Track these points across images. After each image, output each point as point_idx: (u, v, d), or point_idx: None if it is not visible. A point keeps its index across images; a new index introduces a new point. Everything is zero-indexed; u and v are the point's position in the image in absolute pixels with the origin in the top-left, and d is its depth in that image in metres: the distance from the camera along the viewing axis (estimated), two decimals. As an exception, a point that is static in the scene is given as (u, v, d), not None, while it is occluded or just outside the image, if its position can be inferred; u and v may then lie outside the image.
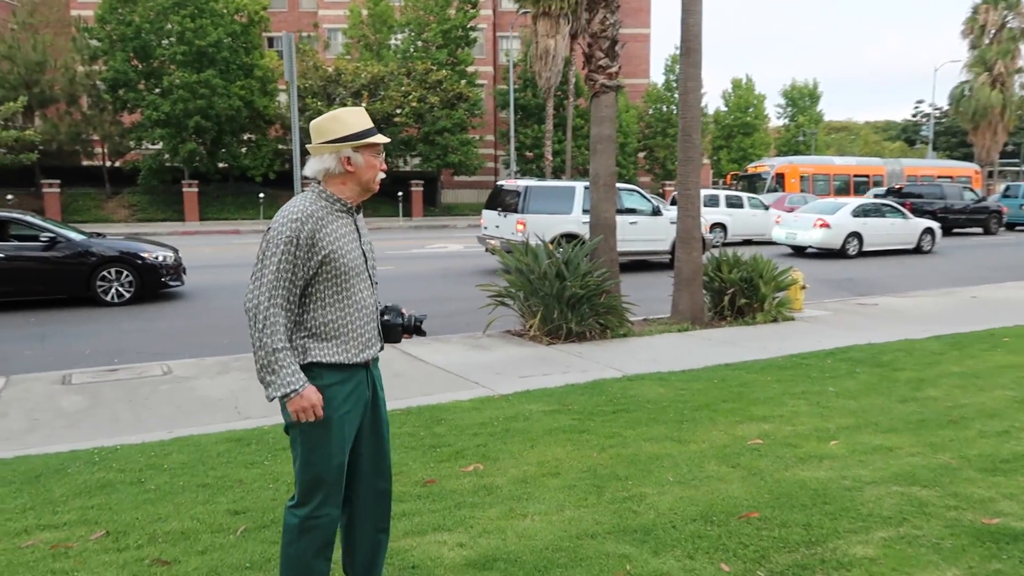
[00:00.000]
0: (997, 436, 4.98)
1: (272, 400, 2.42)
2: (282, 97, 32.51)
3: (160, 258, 11.35)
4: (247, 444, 4.81)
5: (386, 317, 2.69)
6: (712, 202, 21.23)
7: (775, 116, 52.46)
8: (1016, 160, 57.56)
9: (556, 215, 13.69)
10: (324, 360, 2.48)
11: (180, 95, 29.67)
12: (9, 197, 28.49)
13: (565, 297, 8.04)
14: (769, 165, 33.15)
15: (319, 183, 2.54)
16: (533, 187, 14.10)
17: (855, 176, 33.88)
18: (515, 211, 13.78)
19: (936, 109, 60.56)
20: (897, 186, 28.90)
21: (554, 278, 8.07)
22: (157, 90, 30.65)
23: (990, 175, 47.49)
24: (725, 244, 20.33)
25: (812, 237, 17.93)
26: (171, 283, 11.52)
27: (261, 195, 31.45)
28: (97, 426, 5.37)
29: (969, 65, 48.35)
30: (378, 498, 2.75)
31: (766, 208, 21.89)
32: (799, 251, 18.76)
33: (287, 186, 27.14)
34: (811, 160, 35.58)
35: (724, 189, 26.08)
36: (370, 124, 2.58)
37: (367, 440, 2.69)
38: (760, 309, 9.27)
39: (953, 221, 24.77)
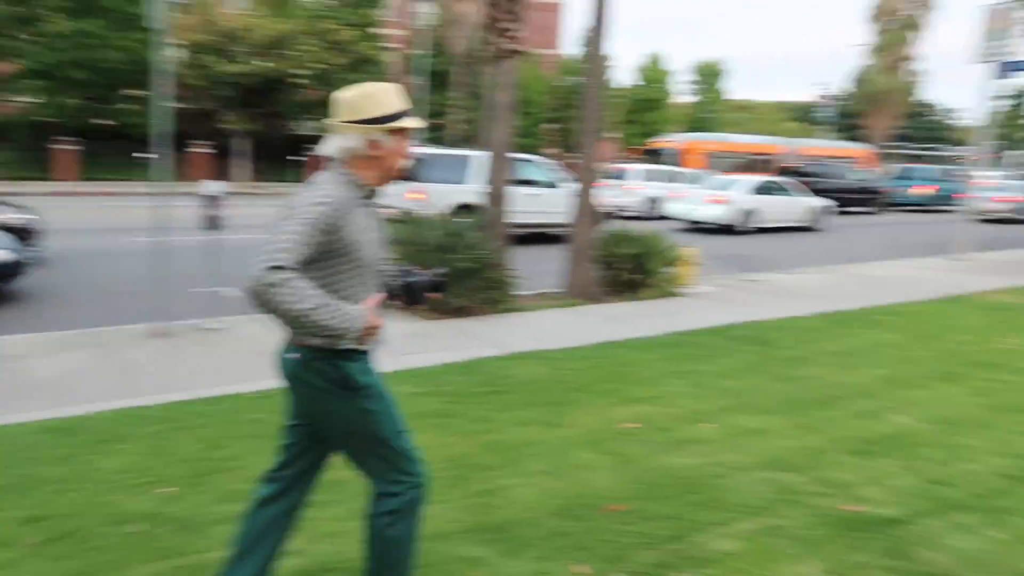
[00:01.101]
0: (868, 416, 4.96)
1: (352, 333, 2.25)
2: (175, 52, 30.55)
3: None
4: (70, 435, 4.26)
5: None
6: (657, 176, 22.14)
7: (684, 93, 53.33)
8: (904, 143, 60.61)
9: (451, 184, 13.26)
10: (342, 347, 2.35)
11: (58, 44, 27.41)
12: None
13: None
14: (671, 141, 33.57)
15: (340, 164, 2.35)
16: (426, 156, 13.60)
17: (754, 154, 34.74)
18: (409, 180, 13.27)
19: (834, 92, 62.93)
20: (795, 165, 29.81)
21: (439, 250, 7.69)
22: (32, 38, 28.20)
23: (883, 157, 49.81)
24: (662, 218, 20.57)
25: (709, 213, 18.16)
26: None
27: (147, 155, 29.59)
28: None
29: (870, 49, 50.29)
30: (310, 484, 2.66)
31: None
32: (697, 227, 19.02)
33: (177, 146, 25.66)
34: (713, 137, 36.25)
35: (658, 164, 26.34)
36: (404, 105, 2.39)
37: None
38: (650, 284, 9.18)
39: (843, 199, 25.68)
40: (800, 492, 3.80)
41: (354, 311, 2.22)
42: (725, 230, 18.21)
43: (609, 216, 15.51)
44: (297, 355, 2.34)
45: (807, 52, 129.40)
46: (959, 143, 59.41)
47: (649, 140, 37.04)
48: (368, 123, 2.32)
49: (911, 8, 48.83)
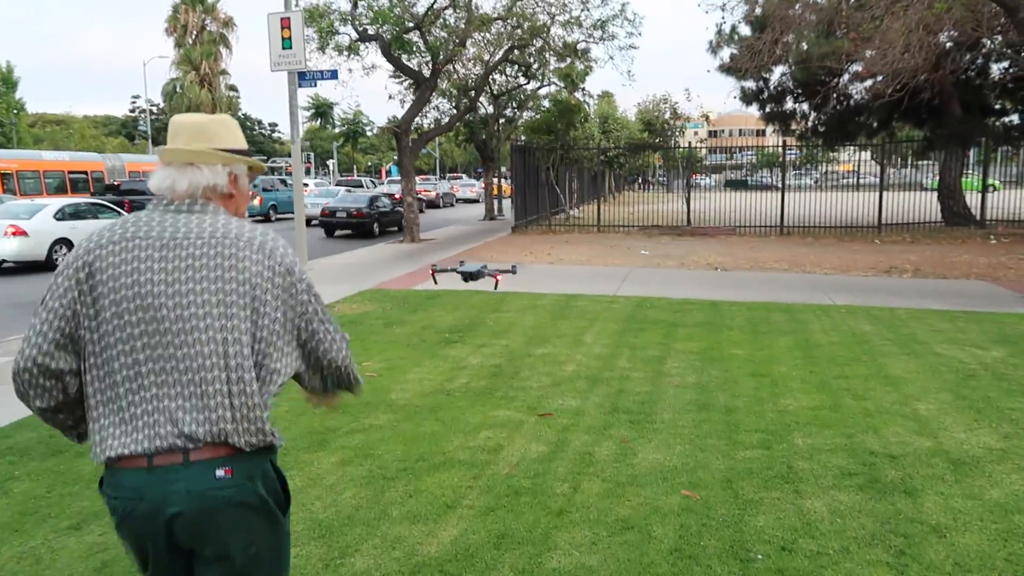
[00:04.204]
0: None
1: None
2: None
3: None
4: None
5: None
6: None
7: (-35, 103, 43.62)
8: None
9: None
10: None
11: None
12: None
13: None
14: (-45, 159, 26.73)
15: (200, 202, 1.81)
16: None
17: (71, 173, 30.24)
18: None
19: (153, 105, 60.51)
20: (116, 182, 26.73)
21: None
22: None
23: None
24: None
25: (6, 249, 14.18)
26: None
27: None
28: None
29: (177, 63, 49.27)
30: None
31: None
32: (-4, 267, 14.78)
33: None
34: (14, 155, 30.34)
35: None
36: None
37: None
38: None
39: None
40: None
41: None
42: (34, 267, 14.49)
43: None
44: (227, 469, 1.69)
45: (124, 62, 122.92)
46: (289, 155, 64.01)
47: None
48: (231, 153, 1.88)
49: (214, 25, 49.67)
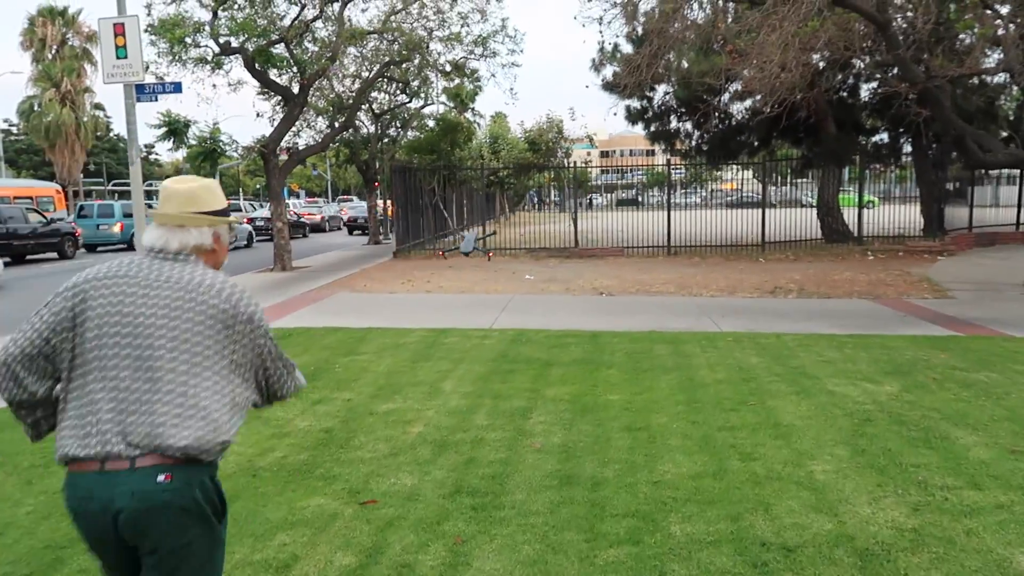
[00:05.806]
0: None
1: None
2: None
3: None
4: None
5: None
6: None
7: None
8: (100, 179, 57.97)
9: None
10: None
11: None
12: None
13: None
14: None
15: (186, 256, 2.11)
16: None
17: None
18: None
19: (12, 125, 55.87)
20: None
21: None
22: None
23: (75, 194, 45.89)
24: None
25: None
26: None
27: None
28: None
29: (35, 80, 45.53)
30: None
31: None
32: None
33: None
34: None
35: None
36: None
37: None
38: None
39: (21, 248, 21.60)
40: None
41: None
42: None
43: None
44: (167, 475, 1.92)
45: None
46: (162, 178, 60.13)
47: None
48: (215, 215, 2.18)
49: (76, 39, 46.27)
